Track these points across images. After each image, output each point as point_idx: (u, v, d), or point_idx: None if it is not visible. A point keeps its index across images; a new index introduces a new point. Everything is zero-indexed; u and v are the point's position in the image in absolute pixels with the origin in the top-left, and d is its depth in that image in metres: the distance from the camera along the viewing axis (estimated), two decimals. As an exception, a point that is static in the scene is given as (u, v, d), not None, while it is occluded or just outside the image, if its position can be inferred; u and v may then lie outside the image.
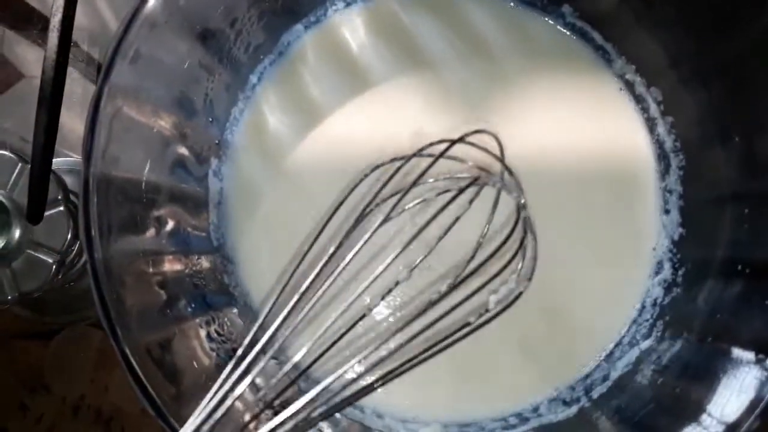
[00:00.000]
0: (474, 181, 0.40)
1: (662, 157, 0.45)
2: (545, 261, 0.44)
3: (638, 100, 0.46)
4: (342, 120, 0.47)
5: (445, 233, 0.40)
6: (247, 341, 0.36)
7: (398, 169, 0.41)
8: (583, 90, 0.46)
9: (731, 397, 0.35)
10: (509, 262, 0.39)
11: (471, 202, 0.40)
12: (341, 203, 0.41)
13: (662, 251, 0.44)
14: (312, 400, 0.35)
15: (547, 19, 0.47)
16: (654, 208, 0.45)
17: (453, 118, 0.45)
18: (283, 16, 0.47)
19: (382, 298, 0.39)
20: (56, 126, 0.40)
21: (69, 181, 0.49)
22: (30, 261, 0.45)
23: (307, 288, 0.37)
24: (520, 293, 0.39)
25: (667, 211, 0.45)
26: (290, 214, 0.45)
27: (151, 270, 0.39)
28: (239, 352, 0.36)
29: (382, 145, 0.44)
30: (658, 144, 0.45)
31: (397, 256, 0.38)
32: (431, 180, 0.42)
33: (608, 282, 0.44)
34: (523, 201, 0.40)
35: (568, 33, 0.47)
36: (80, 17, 0.58)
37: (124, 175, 0.37)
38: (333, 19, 0.48)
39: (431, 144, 0.40)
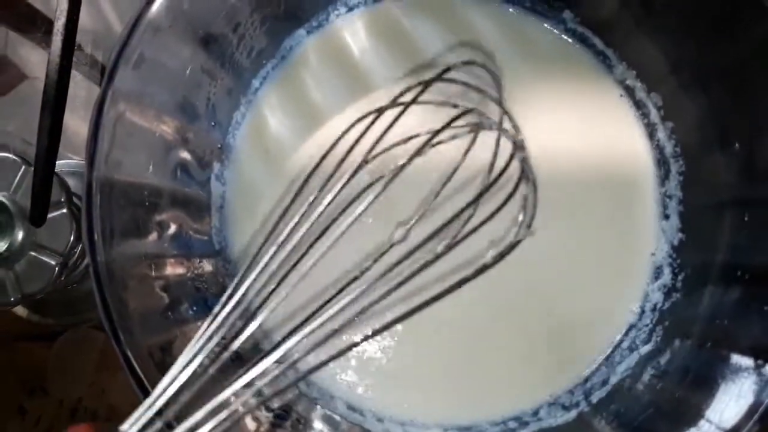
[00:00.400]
0: (465, 113, 0.37)
1: (662, 162, 0.45)
2: (545, 265, 0.44)
3: (638, 105, 0.46)
4: (344, 124, 0.47)
5: (443, 186, 0.38)
6: (224, 298, 0.35)
7: (374, 121, 0.39)
8: (583, 95, 0.46)
9: (730, 402, 0.35)
10: (506, 201, 0.37)
11: (467, 152, 0.38)
12: (326, 154, 0.40)
13: (662, 256, 0.44)
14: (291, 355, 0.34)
15: (547, 24, 0.47)
16: (653, 213, 0.45)
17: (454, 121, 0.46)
18: (285, 21, 0.47)
19: (375, 261, 0.37)
20: (60, 129, 0.40)
21: (72, 183, 0.49)
22: (33, 263, 0.46)
23: (286, 241, 0.37)
24: (519, 241, 0.37)
25: (666, 217, 0.45)
26: (292, 218, 0.45)
27: (153, 273, 0.39)
28: (215, 309, 0.35)
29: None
30: (658, 149, 0.45)
31: (365, 209, 0.37)
32: (425, 132, 0.39)
33: (607, 286, 0.45)
34: (521, 139, 0.38)
35: (568, 39, 0.47)
36: (84, 19, 0.58)
37: (127, 179, 0.37)
38: (335, 23, 0.48)
39: (420, 83, 0.38)
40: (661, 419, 0.39)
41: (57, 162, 0.53)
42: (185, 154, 0.43)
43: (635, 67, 0.45)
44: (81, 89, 0.57)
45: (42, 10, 0.58)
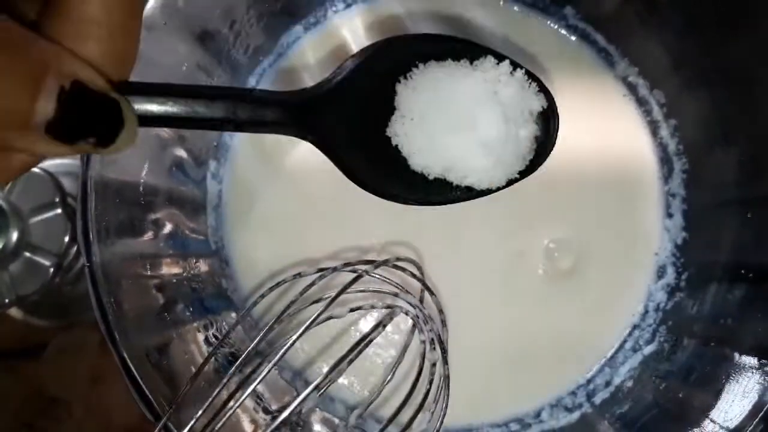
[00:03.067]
0: (383, 306, 0.40)
1: (665, 160, 0.45)
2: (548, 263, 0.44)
3: (641, 102, 0.45)
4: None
5: (356, 356, 0.37)
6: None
7: (311, 284, 0.39)
8: (585, 92, 0.46)
9: (734, 402, 0.35)
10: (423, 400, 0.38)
11: (384, 326, 0.37)
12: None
13: (665, 255, 0.44)
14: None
15: (548, 21, 0.46)
16: (657, 211, 0.45)
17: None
18: (282, 18, 0.46)
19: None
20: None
21: (67, 183, 0.49)
22: (27, 264, 0.45)
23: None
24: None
25: (670, 215, 0.44)
26: (288, 217, 0.45)
27: (148, 273, 0.38)
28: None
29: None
30: (662, 147, 0.45)
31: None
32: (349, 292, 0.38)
33: (610, 286, 0.44)
34: (444, 336, 0.40)
35: (570, 35, 0.46)
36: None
37: (122, 177, 0.36)
38: (333, 20, 0.48)
39: (359, 263, 0.40)
40: (665, 420, 0.39)
41: (52, 162, 0.53)
42: (181, 152, 0.42)
43: (637, 64, 0.45)
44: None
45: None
